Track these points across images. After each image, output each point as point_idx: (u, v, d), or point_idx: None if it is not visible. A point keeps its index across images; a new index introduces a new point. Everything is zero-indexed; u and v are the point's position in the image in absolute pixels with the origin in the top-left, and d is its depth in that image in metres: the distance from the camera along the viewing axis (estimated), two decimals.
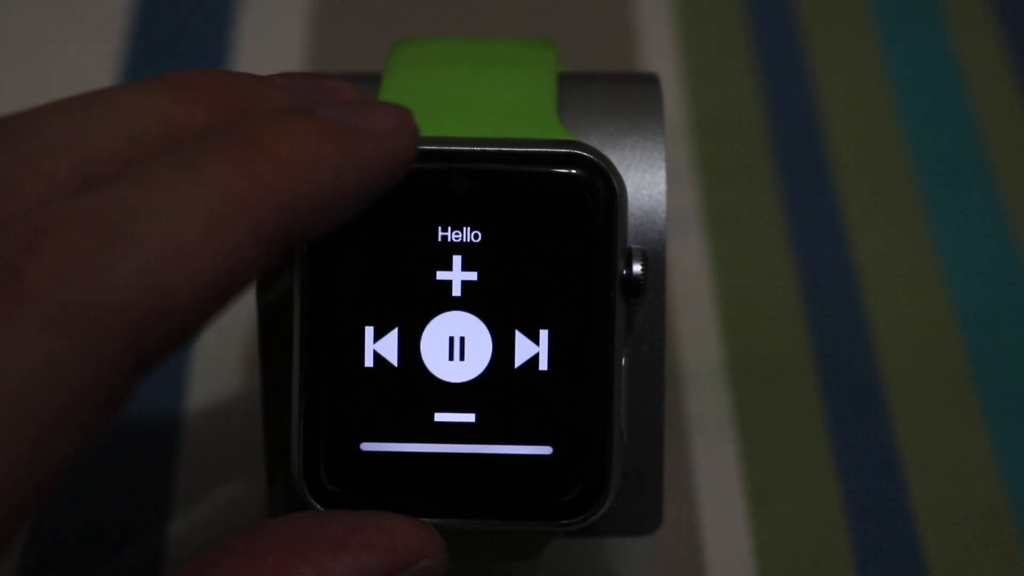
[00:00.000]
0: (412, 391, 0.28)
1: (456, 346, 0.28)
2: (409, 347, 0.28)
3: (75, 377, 0.20)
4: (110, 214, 0.21)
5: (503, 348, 0.27)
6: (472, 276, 0.27)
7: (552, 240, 0.27)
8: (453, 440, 0.28)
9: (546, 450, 0.28)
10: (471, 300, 0.27)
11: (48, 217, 0.21)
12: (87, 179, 0.22)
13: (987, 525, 0.35)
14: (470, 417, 0.28)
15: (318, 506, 0.28)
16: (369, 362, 0.28)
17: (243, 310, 0.31)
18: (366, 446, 0.28)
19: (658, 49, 0.46)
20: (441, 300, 0.27)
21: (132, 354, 0.20)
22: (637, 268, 0.28)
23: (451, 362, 0.28)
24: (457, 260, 0.27)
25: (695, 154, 0.43)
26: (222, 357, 0.38)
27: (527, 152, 0.27)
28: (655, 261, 0.30)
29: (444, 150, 0.27)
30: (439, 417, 0.28)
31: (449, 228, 0.27)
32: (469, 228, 0.27)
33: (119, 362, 0.20)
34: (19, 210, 0.21)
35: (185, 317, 0.21)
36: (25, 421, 0.19)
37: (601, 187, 0.27)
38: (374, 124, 0.24)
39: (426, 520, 0.27)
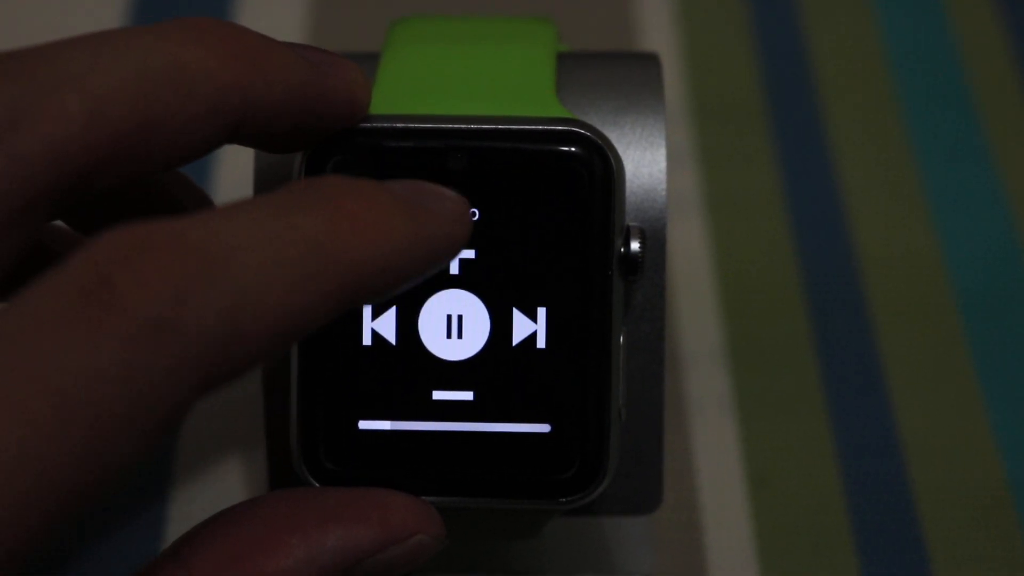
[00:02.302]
0: (410, 369, 0.27)
1: (454, 324, 0.27)
2: (407, 325, 0.27)
3: (142, 390, 0.20)
4: (205, 244, 0.21)
5: (501, 326, 0.27)
6: (470, 254, 0.27)
7: (550, 218, 0.27)
8: (451, 418, 0.27)
9: (544, 428, 0.27)
10: (469, 278, 0.27)
11: (146, 235, 0.21)
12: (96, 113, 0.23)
13: (987, 508, 0.35)
14: (468, 395, 0.27)
15: (317, 484, 0.28)
16: (367, 340, 0.27)
17: None
18: (364, 424, 0.28)
19: (658, 31, 0.45)
20: (439, 278, 0.27)
21: (199, 377, 0.21)
22: (635, 246, 0.28)
23: (449, 340, 0.27)
24: None
25: (695, 137, 0.43)
26: None
27: (524, 130, 0.27)
28: (655, 239, 0.30)
29: (442, 128, 0.27)
30: (437, 395, 0.28)
31: None
32: None
33: (185, 383, 0.21)
34: (31, 142, 0.22)
35: (254, 351, 0.22)
36: (88, 420, 0.20)
37: (598, 165, 0.27)
38: (440, 208, 0.25)
39: (424, 498, 0.27)
